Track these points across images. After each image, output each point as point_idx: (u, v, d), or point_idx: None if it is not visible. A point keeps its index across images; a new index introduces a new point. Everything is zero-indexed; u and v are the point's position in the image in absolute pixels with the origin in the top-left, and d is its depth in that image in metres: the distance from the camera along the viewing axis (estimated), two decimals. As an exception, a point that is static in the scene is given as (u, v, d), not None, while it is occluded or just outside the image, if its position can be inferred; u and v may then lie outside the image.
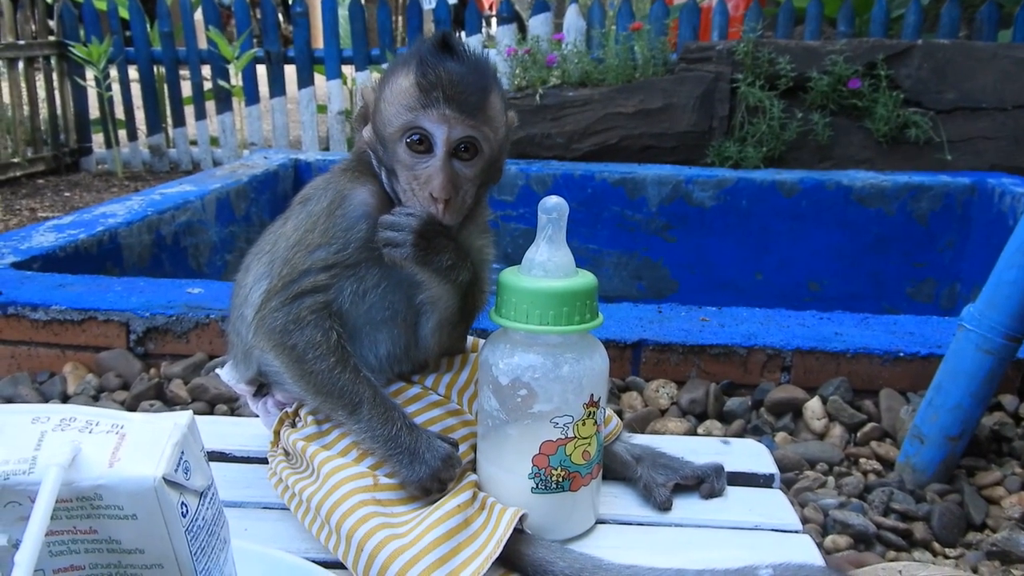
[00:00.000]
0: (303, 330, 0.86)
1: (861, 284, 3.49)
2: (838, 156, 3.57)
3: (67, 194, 4.57)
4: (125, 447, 0.61)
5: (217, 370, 1.00)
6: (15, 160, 4.80)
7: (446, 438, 0.88)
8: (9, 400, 1.76)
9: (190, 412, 0.67)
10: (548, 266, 0.88)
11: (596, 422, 0.90)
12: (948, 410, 1.46)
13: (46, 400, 1.76)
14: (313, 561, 0.86)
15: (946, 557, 1.32)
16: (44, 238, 2.35)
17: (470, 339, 1.04)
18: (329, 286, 0.88)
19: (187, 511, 0.62)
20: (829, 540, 1.32)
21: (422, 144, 0.87)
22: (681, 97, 3.61)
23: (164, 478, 0.60)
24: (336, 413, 0.87)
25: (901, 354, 1.68)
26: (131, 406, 1.72)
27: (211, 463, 1.06)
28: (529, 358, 0.87)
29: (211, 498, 0.67)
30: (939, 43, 3.58)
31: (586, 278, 0.89)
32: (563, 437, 0.88)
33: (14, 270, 2.08)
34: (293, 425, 0.93)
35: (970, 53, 3.47)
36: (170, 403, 1.73)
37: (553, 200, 0.88)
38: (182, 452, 0.63)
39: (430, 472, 0.83)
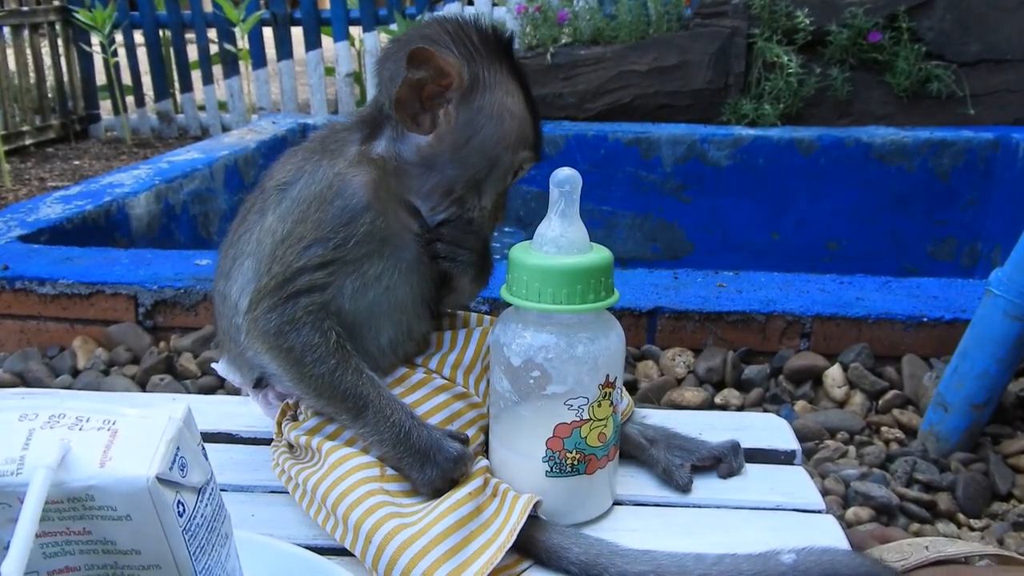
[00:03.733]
0: (299, 331, 0.80)
1: (881, 243, 3.43)
2: (857, 112, 3.47)
3: (76, 162, 4.54)
4: (117, 445, 0.58)
5: (213, 364, 0.96)
6: (24, 128, 4.77)
7: (457, 435, 0.84)
8: (20, 375, 1.75)
9: (186, 404, 0.64)
10: (561, 242, 0.83)
11: (612, 403, 0.86)
12: (974, 377, 1.42)
13: (56, 375, 1.75)
14: (320, 548, 0.84)
15: (971, 528, 1.29)
16: (51, 210, 2.33)
17: (473, 315, 1.00)
18: (327, 284, 0.81)
19: (184, 510, 0.60)
20: (851, 512, 1.29)
21: (516, 176, 0.90)
22: (696, 54, 3.51)
23: (158, 477, 0.57)
24: (340, 416, 0.83)
25: (924, 319, 1.64)
26: (142, 380, 1.70)
27: (218, 444, 1.05)
28: (542, 338, 0.84)
29: (210, 493, 0.64)
30: (963, -8, 3.46)
31: (601, 254, 0.84)
32: (578, 419, 0.84)
33: (21, 243, 2.06)
34: (295, 418, 0.89)
35: (995, 3, 3.35)
36: (180, 377, 1.72)
37: (565, 172, 0.83)
38: (177, 448, 0.60)
39: (441, 474, 0.80)
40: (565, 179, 0.84)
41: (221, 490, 0.96)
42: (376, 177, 0.84)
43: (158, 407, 0.62)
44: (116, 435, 0.59)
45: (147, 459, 0.57)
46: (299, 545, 0.84)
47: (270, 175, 0.88)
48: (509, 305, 0.86)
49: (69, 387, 1.70)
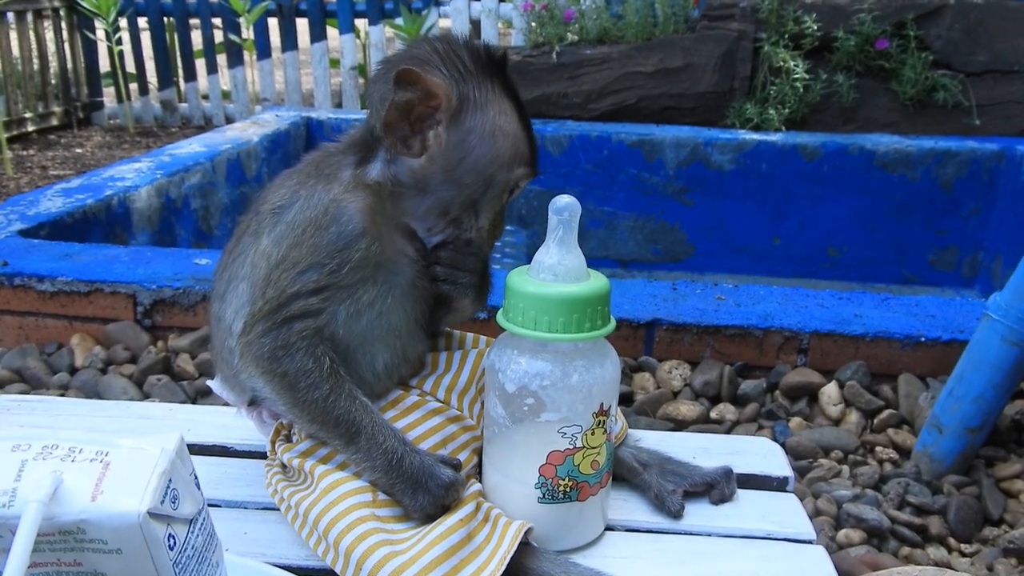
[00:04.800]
0: (293, 356, 0.81)
1: (882, 251, 3.43)
2: (862, 119, 3.47)
3: (78, 150, 4.54)
4: (109, 478, 0.58)
5: (208, 382, 0.97)
6: (27, 115, 4.76)
7: (449, 460, 0.84)
8: (18, 372, 1.76)
9: (179, 434, 0.64)
10: (558, 269, 0.83)
11: (606, 431, 0.87)
12: (969, 401, 1.42)
13: (54, 373, 1.75)
14: (313, 570, 0.84)
15: (962, 554, 1.30)
16: (51, 203, 2.32)
17: (469, 335, 1.00)
18: (321, 310, 0.81)
19: (175, 542, 0.60)
20: (842, 534, 1.29)
21: (513, 194, 0.90)
22: (702, 56, 3.50)
23: (149, 512, 0.57)
24: (332, 442, 0.83)
25: (922, 339, 1.64)
26: (139, 380, 1.70)
27: (212, 458, 1.05)
28: (537, 365, 0.84)
29: (202, 524, 0.64)
30: (972, 2, 3.43)
31: (598, 282, 0.84)
32: (571, 447, 0.85)
33: (21, 238, 2.06)
34: (288, 439, 0.90)
35: (1004, 13, 3.34)
36: (177, 377, 1.72)
37: (564, 200, 0.83)
38: (169, 480, 0.60)
39: (433, 500, 0.80)
40: (564, 207, 0.84)
41: (214, 506, 0.97)
42: (371, 203, 0.84)
43: (150, 438, 0.62)
44: (108, 467, 0.59)
45: (139, 493, 0.57)
46: (291, 566, 0.85)
47: (264, 198, 0.88)
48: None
49: (66, 385, 1.70)
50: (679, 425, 1.56)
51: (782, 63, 3.37)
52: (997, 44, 3.32)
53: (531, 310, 0.82)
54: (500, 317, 0.86)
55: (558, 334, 0.82)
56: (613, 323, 0.86)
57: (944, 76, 3.32)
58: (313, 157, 0.90)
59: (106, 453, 0.60)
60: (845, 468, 1.46)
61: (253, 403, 0.92)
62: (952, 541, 1.32)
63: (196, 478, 0.65)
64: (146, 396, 1.66)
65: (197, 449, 1.06)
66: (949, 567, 1.27)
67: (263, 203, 0.87)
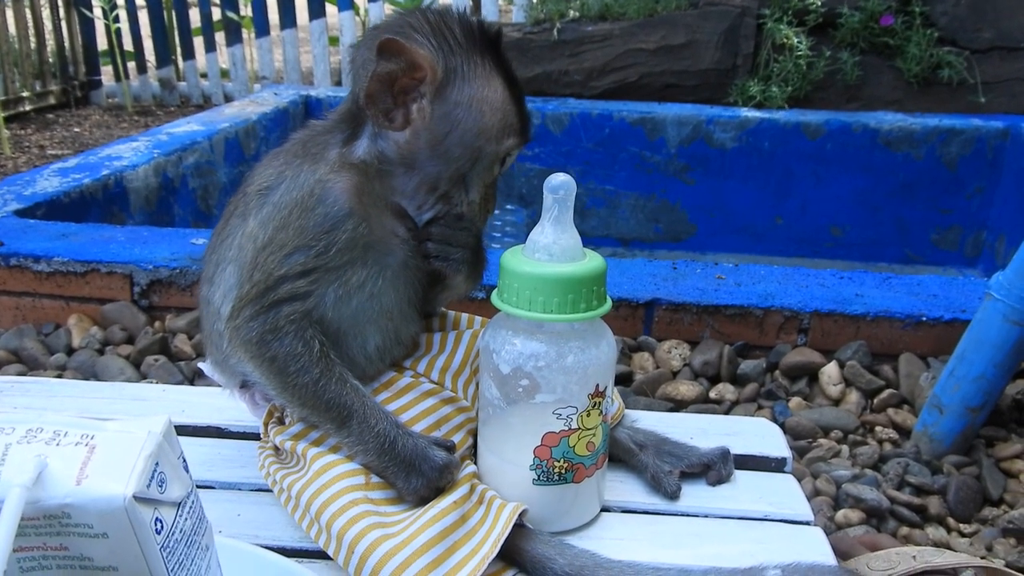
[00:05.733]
0: (282, 340, 0.79)
1: (884, 230, 3.41)
2: (866, 97, 3.43)
3: (76, 129, 4.51)
4: (94, 462, 0.57)
5: (199, 364, 0.96)
6: (24, 94, 4.73)
7: (442, 442, 0.83)
8: (15, 353, 1.75)
9: (167, 417, 0.63)
10: (553, 249, 0.82)
11: (601, 412, 0.86)
12: (970, 381, 1.41)
13: (51, 353, 1.74)
14: (307, 551, 0.84)
15: (961, 534, 1.29)
16: (48, 183, 2.31)
17: (464, 316, 0.99)
18: (309, 293, 0.80)
19: (162, 526, 0.59)
20: (841, 514, 1.29)
21: (504, 166, 0.87)
22: (705, 33, 3.47)
23: (135, 496, 0.56)
24: (324, 425, 0.82)
25: (923, 318, 1.63)
26: (136, 361, 1.70)
27: (207, 439, 1.04)
28: (532, 346, 0.83)
29: (190, 507, 0.63)
30: (979, -23, 3.40)
31: (594, 262, 0.83)
32: (566, 429, 0.84)
33: (17, 218, 2.05)
34: (281, 421, 0.89)
35: (1010, -12, 3.30)
36: (174, 358, 1.72)
37: (560, 178, 0.82)
38: (156, 464, 0.59)
39: (426, 483, 0.79)
40: (559, 185, 0.82)
41: (208, 488, 0.96)
42: (358, 183, 0.82)
43: (138, 420, 0.61)
44: (94, 451, 0.58)
45: (124, 477, 0.57)
46: (285, 548, 0.84)
47: (251, 179, 0.86)
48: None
49: (63, 366, 1.70)
50: (678, 405, 1.55)
51: (785, 40, 3.33)
52: (1003, 21, 3.28)
53: (526, 290, 0.81)
54: (495, 297, 0.84)
55: (553, 315, 0.81)
56: (609, 303, 0.85)
57: (949, 53, 3.29)
58: (300, 136, 0.88)
59: (92, 436, 0.59)
60: (845, 448, 1.46)
61: (245, 385, 0.91)
62: (951, 521, 1.31)
63: (184, 461, 0.64)
64: (143, 376, 1.66)
65: (191, 430, 1.06)
66: (948, 547, 1.26)
67: (250, 184, 0.85)
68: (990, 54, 3.32)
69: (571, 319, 0.81)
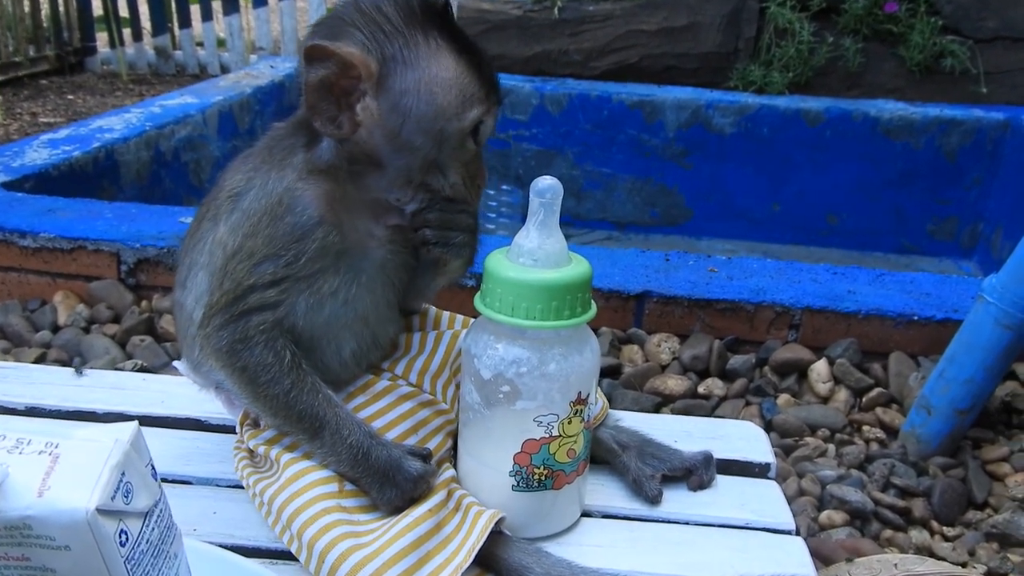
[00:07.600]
0: (252, 350, 0.78)
1: (881, 219, 3.39)
2: (867, 84, 3.39)
3: (70, 97, 4.46)
4: (57, 472, 0.56)
5: (175, 363, 0.94)
6: (17, 59, 4.66)
7: (418, 451, 0.82)
8: (0, 329, 1.73)
9: (135, 423, 0.62)
10: (538, 254, 0.80)
11: (583, 419, 0.85)
12: (960, 383, 1.40)
13: (37, 330, 1.73)
14: (281, 553, 0.83)
15: (944, 538, 1.29)
16: (37, 155, 2.28)
17: (445, 314, 0.97)
18: (279, 303, 0.78)
19: (127, 538, 0.58)
20: (824, 516, 1.29)
21: (479, 137, 0.82)
22: (707, 15, 3.42)
23: (99, 508, 0.55)
24: (296, 436, 0.81)
25: (915, 317, 1.62)
26: (122, 340, 1.68)
27: (187, 432, 1.03)
28: (514, 352, 0.82)
29: (158, 516, 0.62)
30: (986, -35, 3.35)
31: (578, 268, 0.82)
32: (547, 436, 0.83)
33: (4, 191, 2.02)
34: (256, 424, 0.88)
35: (1018, -22, 3.25)
36: (160, 339, 1.70)
37: (546, 181, 0.80)
38: (123, 474, 0.58)
39: (400, 494, 0.78)
40: (546, 188, 0.81)
41: (185, 483, 0.96)
42: (328, 189, 0.79)
43: (105, 427, 0.60)
44: (57, 460, 0.57)
45: (88, 489, 0.55)
46: (261, 548, 0.84)
47: (223, 182, 0.84)
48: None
49: (48, 343, 1.68)
50: (666, 399, 1.55)
51: (788, 25, 3.29)
52: (1008, 10, 3.24)
53: (509, 296, 0.80)
54: (477, 301, 0.83)
55: (536, 321, 0.80)
56: (594, 310, 0.83)
57: (953, 42, 3.25)
58: (264, 141, 0.85)
59: (56, 445, 0.58)
60: (831, 447, 1.45)
61: (220, 387, 0.90)
62: (935, 524, 1.31)
63: (153, 468, 0.63)
64: (128, 357, 1.64)
65: (170, 422, 1.05)
66: (931, 551, 1.26)
67: (221, 188, 0.83)
68: (994, 44, 3.28)
69: (554, 326, 0.80)
